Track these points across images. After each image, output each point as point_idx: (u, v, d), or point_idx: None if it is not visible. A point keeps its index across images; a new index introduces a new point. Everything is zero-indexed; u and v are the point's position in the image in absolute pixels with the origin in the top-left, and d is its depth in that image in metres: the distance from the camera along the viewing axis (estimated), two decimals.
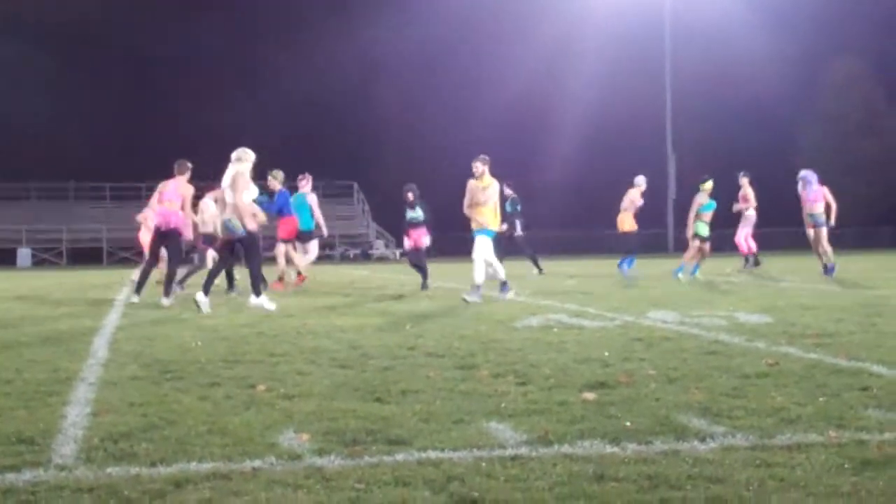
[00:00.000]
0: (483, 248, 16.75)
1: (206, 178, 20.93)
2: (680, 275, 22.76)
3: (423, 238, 19.64)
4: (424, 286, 19.44)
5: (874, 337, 10.10)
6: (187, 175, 17.25)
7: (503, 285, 17.13)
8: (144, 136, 57.07)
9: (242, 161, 15.33)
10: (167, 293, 16.72)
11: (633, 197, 25.34)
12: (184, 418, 6.25)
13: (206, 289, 15.03)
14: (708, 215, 23.07)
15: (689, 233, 23.16)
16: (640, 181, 25.58)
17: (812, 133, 63.76)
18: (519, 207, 26.03)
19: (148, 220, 21.57)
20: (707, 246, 23.20)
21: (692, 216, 23.10)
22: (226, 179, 15.43)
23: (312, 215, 21.49)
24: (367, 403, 6.72)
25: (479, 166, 16.93)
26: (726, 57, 58.43)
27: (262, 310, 14.59)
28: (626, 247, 26.06)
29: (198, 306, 14.67)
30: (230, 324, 12.68)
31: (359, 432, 5.78)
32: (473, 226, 17.00)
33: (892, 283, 19.74)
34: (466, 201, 16.97)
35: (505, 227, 22.33)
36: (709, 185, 23.03)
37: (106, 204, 57.33)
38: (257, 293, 15.16)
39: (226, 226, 15.31)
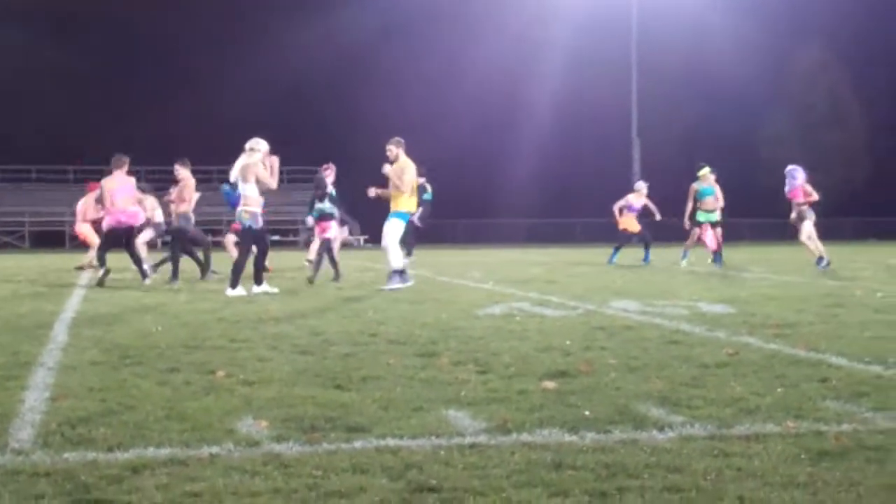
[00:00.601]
0: (394, 231, 16.34)
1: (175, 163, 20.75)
2: (683, 262, 23.48)
3: (330, 230, 19.01)
4: (336, 277, 18.41)
5: (834, 328, 10.18)
6: (125, 168, 17.52)
7: (392, 275, 16.21)
8: (108, 119, 56.58)
9: (255, 152, 15.24)
10: (144, 275, 17.58)
11: (631, 201, 25.62)
12: (142, 403, 6.23)
13: (234, 283, 15.07)
14: (708, 202, 23.47)
15: (687, 222, 23.70)
16: (641, 186, 26.34)
17: (777, 122, 64.04)
18: (426, 196, 26.04)
19: (87, 213, 21.85)
20: (718, 231, 23.64)
21: (690, 204, 23.68)
22: (234, 170, 15.36)
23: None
24: (327, 390, 6.72)
25: (393, 149, 16.53)
26: (692, 44, 58.53)
27: (267, 294, 14.87)
28: (619, 241, 26.16)
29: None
30: (192, 309, 12.63)
31: (318, 419, 5.77)
32: (392, 209, 16.52)
33: (854, 275, 19.89)
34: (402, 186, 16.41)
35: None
36: (704, 171, 23.54)
37: (69, 187, 56.76)
38: (258, 281, 15.39)
39: (239, 217, 15.47)
